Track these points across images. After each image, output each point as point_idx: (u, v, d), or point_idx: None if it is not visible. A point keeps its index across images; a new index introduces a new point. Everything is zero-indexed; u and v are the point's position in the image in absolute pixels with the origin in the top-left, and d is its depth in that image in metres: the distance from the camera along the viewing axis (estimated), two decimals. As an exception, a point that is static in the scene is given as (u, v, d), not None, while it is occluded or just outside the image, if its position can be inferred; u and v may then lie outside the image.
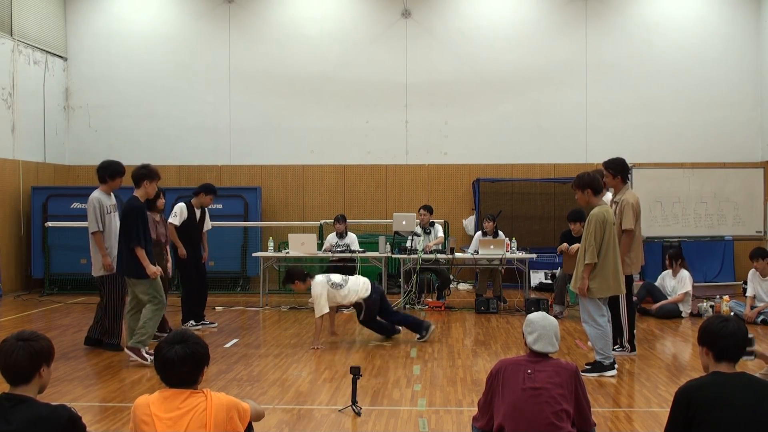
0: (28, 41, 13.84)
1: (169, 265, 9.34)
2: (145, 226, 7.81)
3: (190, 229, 9.71)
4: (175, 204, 9.89)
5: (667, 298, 10.59)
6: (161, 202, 9.17)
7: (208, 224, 10.16)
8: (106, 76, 15.03)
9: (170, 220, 9.60)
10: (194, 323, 9.72)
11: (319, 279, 8.51)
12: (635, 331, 8.11)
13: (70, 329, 9.66)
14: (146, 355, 7.55)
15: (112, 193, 8.46)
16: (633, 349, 7.98)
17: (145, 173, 7.94)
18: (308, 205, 14.80)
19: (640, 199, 11.37)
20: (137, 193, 7.93)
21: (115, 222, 8.35)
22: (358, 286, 8.60)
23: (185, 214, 9.68)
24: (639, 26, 14.63)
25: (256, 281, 12.39)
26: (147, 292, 7.73)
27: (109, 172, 8.32)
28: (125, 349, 7.69)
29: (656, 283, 10.84)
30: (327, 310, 8.35)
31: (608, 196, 8.24)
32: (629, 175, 8.37)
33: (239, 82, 14.94)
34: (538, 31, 14.73)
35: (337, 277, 8.63)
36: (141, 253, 7.64)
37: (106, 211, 8.27)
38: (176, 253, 9.61)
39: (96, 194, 8.28)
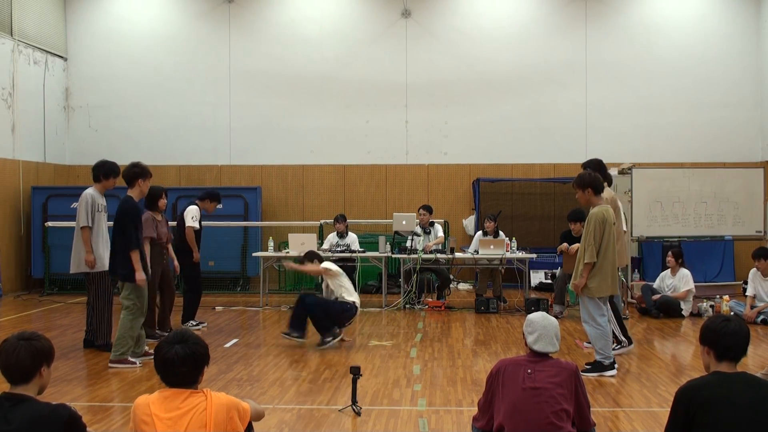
0: (28, 41, 13.84)
1: (175, 263, 9.36)
2: (140, 229, 7.75)
3: (198, 231, 9.72)
4: (185, 207, 9.83)
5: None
6: (163, 202, 9.14)
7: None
8: (106, 76, 15.03)
9: (190, 224, 9.53)
10: (194, 323, 9.72)
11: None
12: (624, 323, 8.20)
13: (70, 329, 9.65)
14: (134, 360, 7.53)
15: (102, 194, 8.44)
16: (630, 342, 8.02)
17: (138, 172, 7.77)
18: (308, 205, 14.80)
19: (640, 198, 11.49)
20: (132, 192, 7.77)
21: (103, 221, 8.34)
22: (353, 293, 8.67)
23: (199, 217, 9.70)
24: (639, 26, 14.64)
25: (256, 281, 12.39)
26: (129, 296, 7.57)
27: (104, 171, 8.29)
28: (109, 364, 7.50)
29: (655, 285, 10.83)
30: (327, 269, 8.63)
31: (609, 192, 8.26)
32: (608, 174, 8.54)
33: (239, 82, 14.93)
34: (538, 31, 14.73)
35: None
36: (136, 257, 7.53)
37: (97, 209, 8.26)
38: (185, 256, 9.56)
39: (90, 191, 8.27)
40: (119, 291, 7.75)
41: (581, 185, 7.26)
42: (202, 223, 10.11)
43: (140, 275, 7.52)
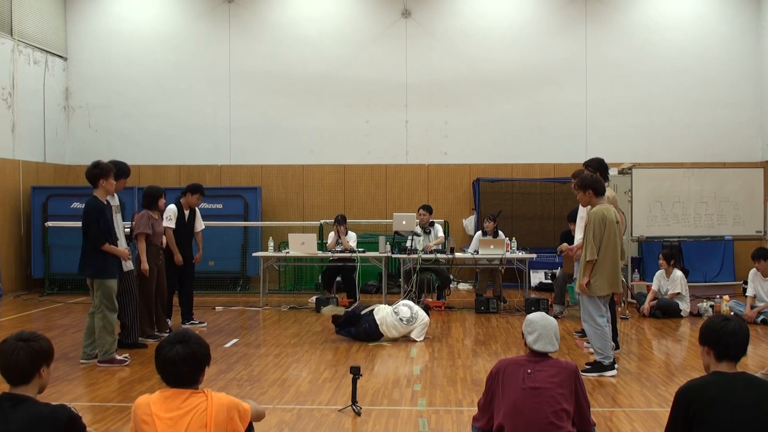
0: (28, 41, 13.84)
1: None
2: (108, 224, 7.65)
3: (179, 229, 9.62)
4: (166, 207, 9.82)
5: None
6: (162, 201, 9.13)
7: (201, 224, 10.04)
8: (106, 76, 15.03)
9: (166, 224, 9.44)
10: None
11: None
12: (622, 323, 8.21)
13: (70, 329, 9.65)
14: (120, 358, 7.59)
15: (115, 194, 8.39)
16: (617, 346, 8.02)
17: (98, 172, 7.67)
18: (308, 205, 14.80)
19: (640, 198, 11.48)
20: (97, 193, 7.69)
21: (119, 222, 8.32)
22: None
23: (176, 215, 9.63)
24: (639, 26, 14.64)
25: (256, 281, 12.38)
26: (97, 294, 7.61)
27: (114, 172, 8.25)
28: (98, 365, 7.55)
29: (654, 287, 10.80)
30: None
31: (610, 191, 8.29)
32: (608, 174, 8.58)
33: (239, 82, 14.93)
34: (538, 31, 14.73)
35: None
36: (109, 247, 7.61)
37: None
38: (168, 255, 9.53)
39: None
40: (90, 291, 7.79)
41: (582, 187, 7.32)
42: (202, 221, 10.12)
43: (123, 253, 7.79)
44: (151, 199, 9.00)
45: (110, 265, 7.67)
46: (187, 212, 9.81)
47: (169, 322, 9.55)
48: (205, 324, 9.96)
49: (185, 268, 9.74)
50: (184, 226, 9.74)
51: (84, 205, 7.80)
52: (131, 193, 13.08)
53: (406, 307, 8.82)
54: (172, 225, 9.54)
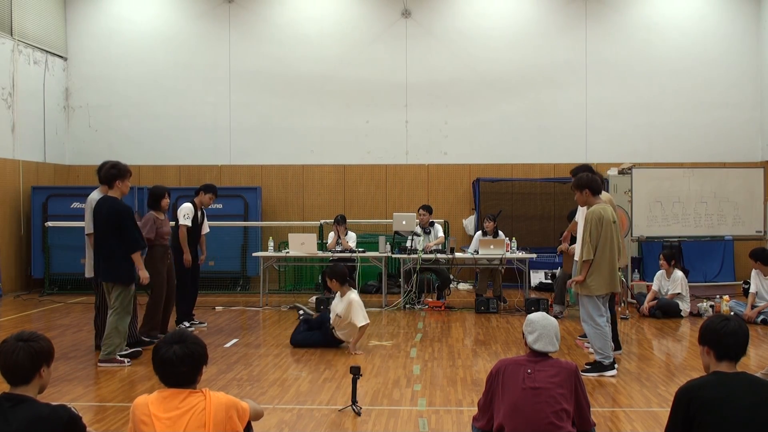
0: (28, 41, 13.84)
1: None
2: (138, 229, 7.68)
3: (192, 229, 9.66)
4: (179, 204, 9.78)
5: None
6: (166, 201, 9.11)
7: (206, 227, 10.03)
8: (106, 76, 15.03)
9: (183, 222, 9.44)
10: (187, 324, 9.69)
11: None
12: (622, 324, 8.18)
13: (70, 329, 9.66)
14: (121, 359, 7.58)
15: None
16: (618, 347, 8.01)
17: (116, 173, 7.65)
18: (308, 205, 14.80)
19: (641, 198, 11.50)
20: (112, 193, 7.66)
21: None
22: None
23: (192, 214, 9.63)
24: (639, 26, 14.63)
25: (256, 281, 12.39)
26: (118, 297, 7.57)
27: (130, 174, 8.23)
28: (99, 364, 7.53)
29: (654, 287, 10.79)
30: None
31: (605, 194, 8.28)
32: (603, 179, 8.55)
33: (239, 82, 14.93)
34: (538, 31, 14.73)
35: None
36: (138, 258, 7.57)
37: None
38: (178, 254, 9.53)
39: (95, 195, 8.06)
40: (106, 292, 7.74)
41: (579, 186, 7.33)
42: (207, 222, 10.10)
43: (144, 273, 7.64)
44: (154, 198, 9.00)
45: (134, 271, 7.68)
46: (199, 212, 9.80)
47: (186, 324, 9.60)
48: (205, 324, 9.96)
49: (191, 269, 9.73)
50: (196, 227, 9.71)
51: (109, 204, 7.59)
52: (131, 194, 13.06)
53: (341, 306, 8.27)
54: (188, 223, 9.50)
